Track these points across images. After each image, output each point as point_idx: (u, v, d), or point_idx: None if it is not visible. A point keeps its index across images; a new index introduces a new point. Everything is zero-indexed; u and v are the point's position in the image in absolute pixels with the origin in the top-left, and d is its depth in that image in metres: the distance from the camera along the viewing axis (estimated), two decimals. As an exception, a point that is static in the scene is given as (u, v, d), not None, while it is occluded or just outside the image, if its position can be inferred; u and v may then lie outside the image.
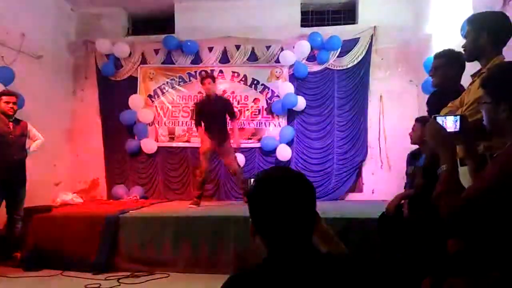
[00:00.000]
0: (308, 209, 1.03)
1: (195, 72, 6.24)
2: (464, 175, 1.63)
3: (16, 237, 4.05)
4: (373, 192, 5.93)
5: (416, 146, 3.42)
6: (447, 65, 2.53)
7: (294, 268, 0.96)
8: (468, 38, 1.98)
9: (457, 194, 1.29)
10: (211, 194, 5.98)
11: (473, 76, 2.00)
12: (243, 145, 5.76)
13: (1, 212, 4.07)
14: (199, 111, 4.98)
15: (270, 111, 6.09)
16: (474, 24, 1.97)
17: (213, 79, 5.01)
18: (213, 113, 4.89)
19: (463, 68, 2.51)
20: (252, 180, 1.08)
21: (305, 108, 6.00)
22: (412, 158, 3.45)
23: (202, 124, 4.94)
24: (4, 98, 4.02)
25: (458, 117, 1.49)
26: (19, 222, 4.08)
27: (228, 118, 5.06)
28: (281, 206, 0.98)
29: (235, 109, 5.31)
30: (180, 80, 6.27)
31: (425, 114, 3.47)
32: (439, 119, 1.50)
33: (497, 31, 1.92)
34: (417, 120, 3.38)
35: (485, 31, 1.91)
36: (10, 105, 4.04)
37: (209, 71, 5.28)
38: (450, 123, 1.49)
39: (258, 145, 6.04)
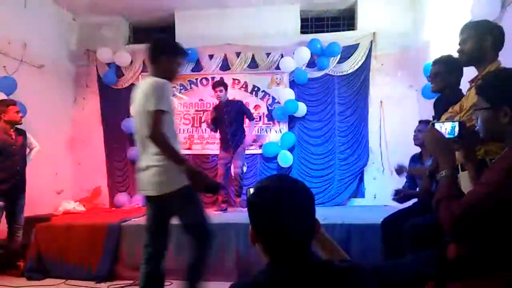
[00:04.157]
0: (308, 216, 1.03)
1: (196, 79, 6.27)
2: (465, 180, 1.64)
3: (17, 246, 4.06)
4: (375, 197, 5.92)
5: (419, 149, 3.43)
6: (446, 71, 2.55)
7: (294, 275, 0.97)
8: (470, 41, 2.00)
9: (456, 200, 1.30)
10: (213, 201, 5.98)
11: (470, 82, 2.02)
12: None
13: (2, 222, 4.08)
14: (214, 118, 5.11)
15: (271, 117, 6.11)
16: (478, 28, 2.01)
17: (225, 87, 5.08)
18: (226, 119, 4.97)
19: (462, 73, 2.54)
20: (251, 189, 1.09)
21: (306, 114, 6.01)
22: (412, 161, 3.46)
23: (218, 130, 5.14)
24: (13, 108, 4.02)
25: (456, 123, 1.51)
26: (20, 231, 4.08)
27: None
28: (281, 214, 0.99)
29: (251, 112, 5.40)
30: (181, 87, 6.30)
31: (425, 118, 3.49)
32: (438, 125, 1.51)
33: (499, 37, 1.97)
34: (420, 122, 3.42)
35: (491, 35, 1.96)
36: (20, 114, 4.07)
37: (221, 79, 5.33)
38: (449, 129, 1.50)
39: (259, 151, 6.05)
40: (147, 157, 2.30)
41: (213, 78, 6.14)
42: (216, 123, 5.10)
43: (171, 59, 2.37)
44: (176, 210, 2.41)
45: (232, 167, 5.17)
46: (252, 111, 6.11)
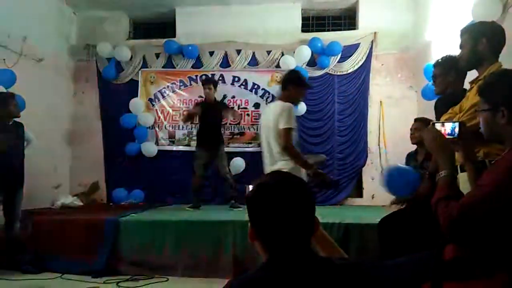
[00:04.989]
0: (307, 214, 1.03)
1: (196, 76, 6.25)
2: (465, 181, 1.64)
3: (14, 239, 4.04)
4: (373, 197, 5.93)
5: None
6: (444, 72, 2.56)
7: (293, 272, 0.97)
8: (466, 47, 1.99)
9: (455, 200, 1.29)
10: (210, 198, 5.98)
11: (471, 83, 2.01)
12: (243, 150, 5.92)
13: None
14: (193, 114, 5.26)
15: (270, 115, 6.10)
16: (472, 31, 1.99)
17: (215, 85, 5.09)
18: (210, 118, 4.96)
19: (460, 72, 2.53)
20: (250, 186, 1.09)
21: (306, 113, 6.00)
22: (408, 159, 3.47)
23: (198, 126, 5.27)
24: (11, 101, 4.01)
25: (456, 124, 1.50)
26: (17, 224, 4.07)
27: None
28: (280, 211, 0.99)
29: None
30: (181, 84, 6.29)
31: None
32: (438, 126, 1.51)
33: (495, 37, 1.94)
34: (416, 120, 3.43)
35: (485, 37, 1.92)
36: (18, 107, 4.06)
37: (211, 77, 5.38)
38: (448, 129, 1.50)
39: (258, 149, 6.02)
40: (274, 162, 2.86)
41: (213, 75, 6.13)
42: (199, 121, 5.17)
43: (297, 89, 2.97)
44: None
45: (218, 167, 5.17)
46: (252, 109, 6.14)
